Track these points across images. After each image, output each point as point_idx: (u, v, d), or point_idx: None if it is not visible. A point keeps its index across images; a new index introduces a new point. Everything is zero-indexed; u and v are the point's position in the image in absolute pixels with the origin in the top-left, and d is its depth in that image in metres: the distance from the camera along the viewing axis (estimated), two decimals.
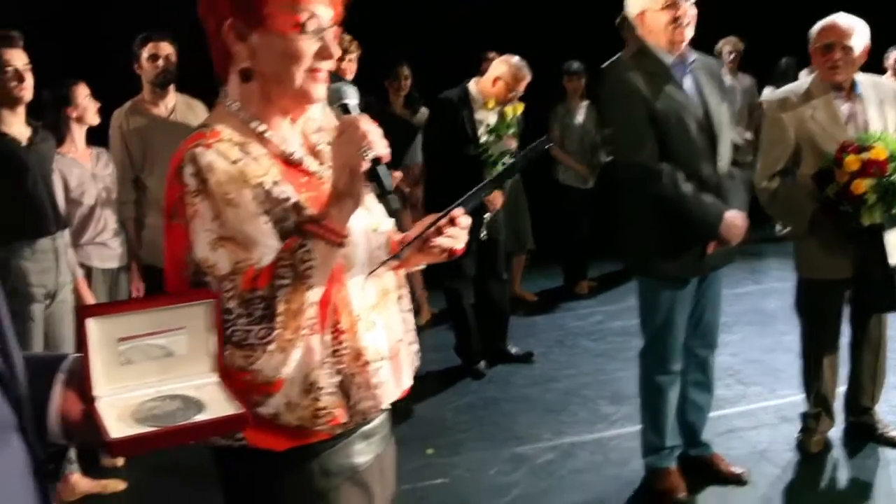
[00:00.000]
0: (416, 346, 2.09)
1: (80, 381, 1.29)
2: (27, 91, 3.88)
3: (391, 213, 2.08)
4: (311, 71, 1.83)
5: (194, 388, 1.37)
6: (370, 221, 1.95)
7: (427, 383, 5.29)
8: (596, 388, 5.36)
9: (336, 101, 1.85)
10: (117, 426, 1.24)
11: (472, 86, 5.52)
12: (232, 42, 1.81)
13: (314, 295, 1.71)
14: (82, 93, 4.35)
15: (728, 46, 8.25)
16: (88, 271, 4.39)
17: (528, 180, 6.81)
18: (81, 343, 1.30)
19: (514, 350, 5.95)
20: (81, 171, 4.35)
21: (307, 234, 1.72)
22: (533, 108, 5.61)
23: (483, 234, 5.39)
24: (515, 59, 5.46)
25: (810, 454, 4.22)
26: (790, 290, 4.30)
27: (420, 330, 2.13)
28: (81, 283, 4.26)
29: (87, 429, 1.27)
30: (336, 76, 1.90)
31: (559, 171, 7.63)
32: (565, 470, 4.32)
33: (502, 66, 5.44)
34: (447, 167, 5.34)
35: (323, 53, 1.83)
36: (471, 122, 5.43)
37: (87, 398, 1.29)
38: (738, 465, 4.05)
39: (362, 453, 1.96)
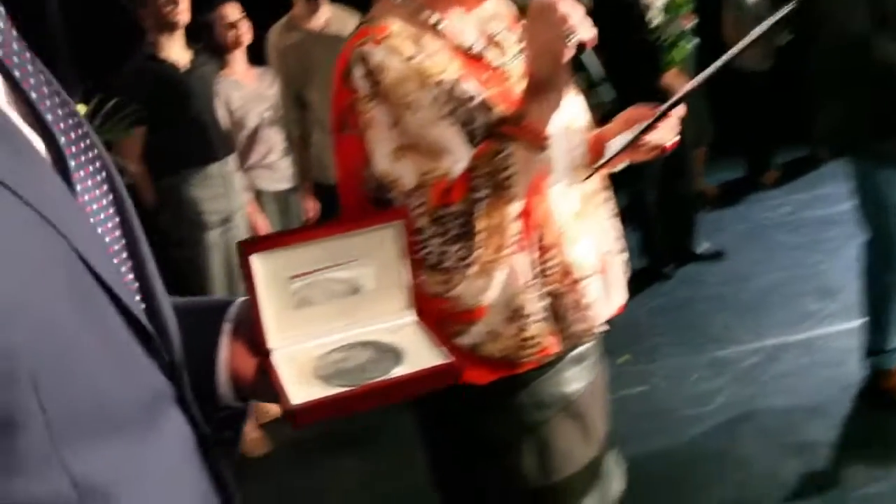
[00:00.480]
0: (625, 255, 1.83)
1: (250, 330, 1.04)
2: (182, 14, 3.74)
3: (601, 105, 1.77)
4: None
5: (388, 331, 1.10)
6: (565, 117, 1.68)
7: None
8: (796, 284, 4.93)
9: None
10: (299, 388, 0.99)
11: None
12: None
13: (516, 207, 1.47)
14: (234, 13, 4.22)
15: None
16: (258, 195, 4.29)
17: (702, 68, 6.30)
18: (248, 284, 1.03)
19: (702, 247, 5.59)
20: (242, 92, 4.23)
21: (504, 136, 1.47)
22: None
23: None
24: None
25: None
26: None
27: None
28: (252, 208, 4.16)
29: (261, 389, 1.03)
30: None
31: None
32: (771, 374, 3.98)
33: None
34: (619, 57, 4.97)
35: None
36: (637, 6, 5.03)
37: (260, 350, 1.04)
38: None
39: (575, 380, 1.73)
